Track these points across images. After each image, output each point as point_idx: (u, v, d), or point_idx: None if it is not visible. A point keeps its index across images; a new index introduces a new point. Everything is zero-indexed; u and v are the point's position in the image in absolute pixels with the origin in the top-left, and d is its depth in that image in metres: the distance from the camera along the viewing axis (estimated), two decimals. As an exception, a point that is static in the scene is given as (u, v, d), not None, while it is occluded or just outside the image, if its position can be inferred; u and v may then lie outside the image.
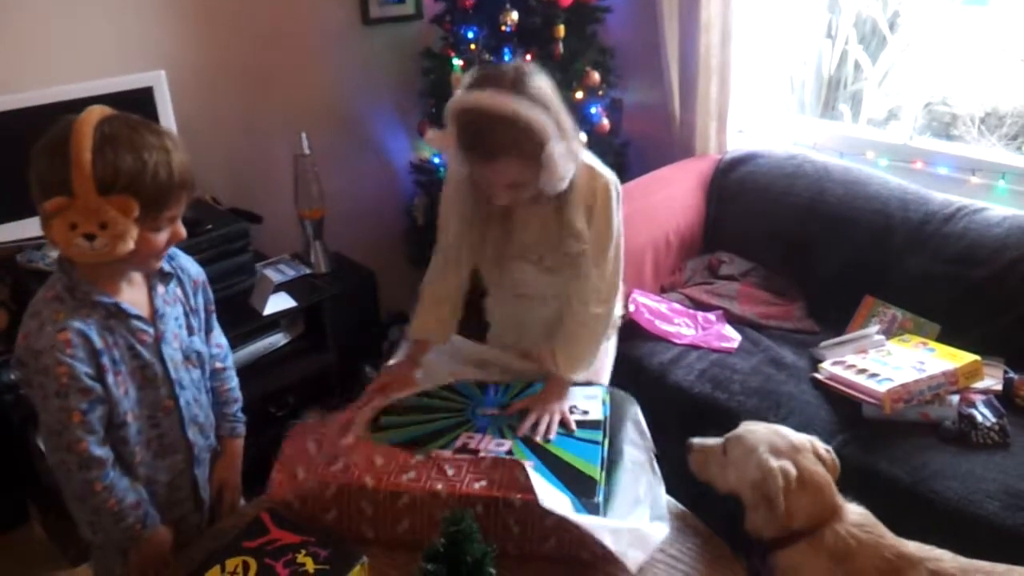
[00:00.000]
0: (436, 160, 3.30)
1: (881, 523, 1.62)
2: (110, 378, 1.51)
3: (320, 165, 2.99)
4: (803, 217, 2.93)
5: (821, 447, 1.69)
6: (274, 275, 2.89)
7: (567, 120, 1.70)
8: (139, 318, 1.57)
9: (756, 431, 1.68)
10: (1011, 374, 2.41)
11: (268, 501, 1.66)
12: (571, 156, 1.70)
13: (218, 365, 1.85)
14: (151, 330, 1.60)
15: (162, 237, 1.51)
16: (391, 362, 2.05)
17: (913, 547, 1.56)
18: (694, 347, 2.68)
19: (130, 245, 1.42)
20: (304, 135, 2.93)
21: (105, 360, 1.50)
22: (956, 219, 2.68)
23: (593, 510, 1.56)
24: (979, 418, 2.24)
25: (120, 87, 2.51)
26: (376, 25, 3.35)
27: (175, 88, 2.64)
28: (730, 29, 3.05)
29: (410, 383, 1.93)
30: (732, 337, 2.73)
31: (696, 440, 1.77)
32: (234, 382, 1.90)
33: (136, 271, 1.59)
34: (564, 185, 1.72)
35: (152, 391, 1.62)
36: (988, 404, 2.30)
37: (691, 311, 2.85)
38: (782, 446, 1.63)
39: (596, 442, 1.73)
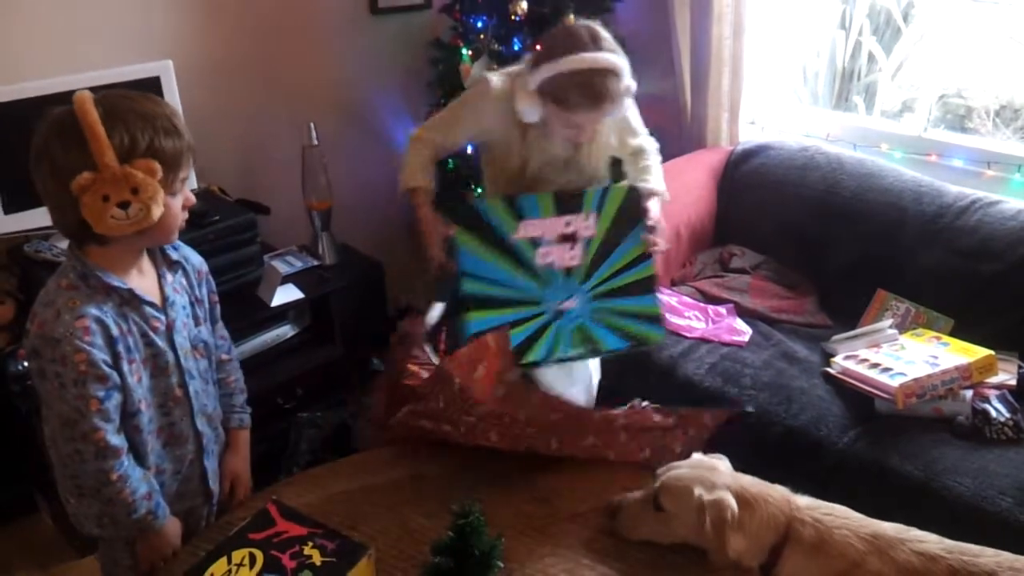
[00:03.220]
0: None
1: (838, 505, 1.56)
2: (125, 366, 1.52)
3: (328, 156, 2.98)
4: (815, 210, 2.90)
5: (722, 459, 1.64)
6: (281, 267, 2.88)
7: None
8: (152, 305, 1.59)
9: (683, 475, 1.57)
10: (1025, 369, 2.39)
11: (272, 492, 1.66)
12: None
13: (223, 356, 1.85)
14: (163, 317, 1.61)
15: (179, 202, 1.54)
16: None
17: (888, 527, 1.50)
18: (704, 340, 2.67)
19: (162, 208, 1.46)
20: (312, 126, 2.91)
21: (120, 347, 1.51)
22: (971, 212, 2.65)
23: None
24: (993, 413, 2.23)
25: (127, 76, 2.50)
26: (384, 15, 3.33)
27: (182, 78, 2.63)
28: (742, 20, 3.02)
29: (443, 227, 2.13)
30: (743, 331, 2.71)
31: (616, 499, 1.65)
32: (239, 373, 1.91)
33: (158, 244, 1.62)
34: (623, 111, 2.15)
35: (164, 379, 1.63)
36: (1002, 399, 2.27)
37: (702, 304, 2.83)
38: (716, 480, 1.55)
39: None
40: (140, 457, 1.60)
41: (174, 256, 1.68)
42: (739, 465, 1.62)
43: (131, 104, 1.45)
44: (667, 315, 2.72)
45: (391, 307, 3.42)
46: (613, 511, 1.64)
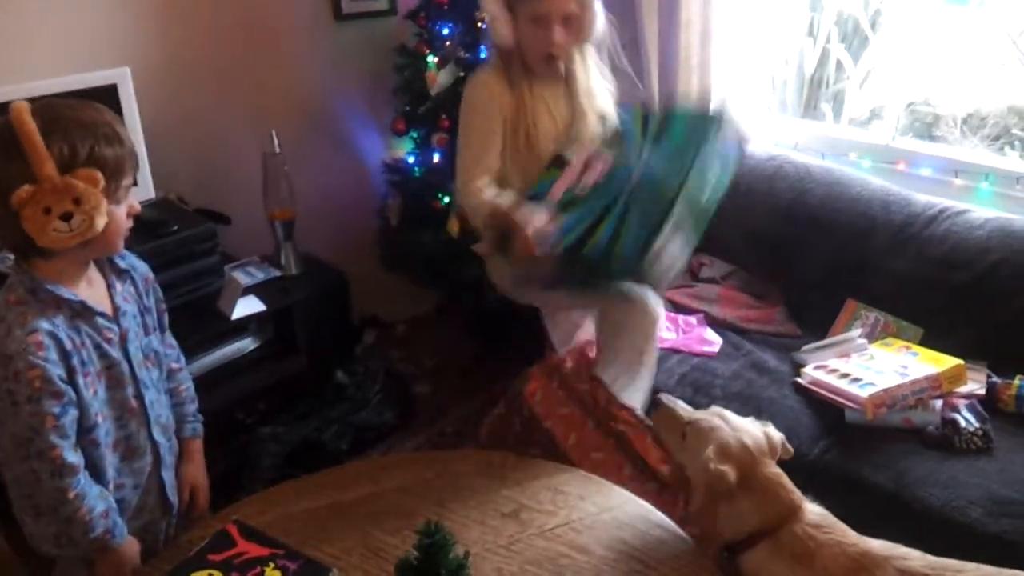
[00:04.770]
0: (410, 159, 3.24)
1: (841, 523, 1.59)
2: (80, 379, 1.49)
3: (290, 164, 2.93)
4: (784, 219, 2.89)
5: (776, 436, 1.69)
6: (242, 277, 2.82)
7: None
8: (104, 316, 1.56)
9: (715, 426, 1.65)
10: (994, 379, 2.39)
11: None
12: (601, 11, 2.12)
13: (173, 365, 1.82)
14: (116, 328, 1.59)
15: (123, 211, 1.53)
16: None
17: (877, 545, 1.54)
18: (675, 351, 2.65)
19: (105, 218, 1.44)
20: (274, 133, 2.86)
21: (75, 361, 1.49)
22: (939, 221, 2.65)
23: None
24: (962, 423, 2.22)
25: (83, 84, 2.44)
26: (348, 20, 3.29)
27: (140, 85, 2.58)
28: (710, 28, 3.01)
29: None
30: (713, 341, 2.69)
31: (666, 399, 1.77)
32: (189, 382, 1.88)
33: (105, 254, 1.60)
34: (596, 36, 2.15)
35: (119, 391, 1.60)
36: (971, 409, 2.27)
37: (672, 314, 2.82)
38: (733, 449, 1.60)
39: None
40: (99, 473, 1.57)
41: (122, 265, 1.66)
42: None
43: (71, 113, 1.43)
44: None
45: (356, 318, 3.37)
46: (658, 405, 1.79)
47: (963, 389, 2.32)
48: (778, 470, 1.62)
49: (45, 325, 1.45)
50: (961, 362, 2.29)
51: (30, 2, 2.53)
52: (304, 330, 2.90)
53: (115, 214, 1.49)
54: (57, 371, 1.45)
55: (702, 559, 1.60)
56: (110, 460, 1.60)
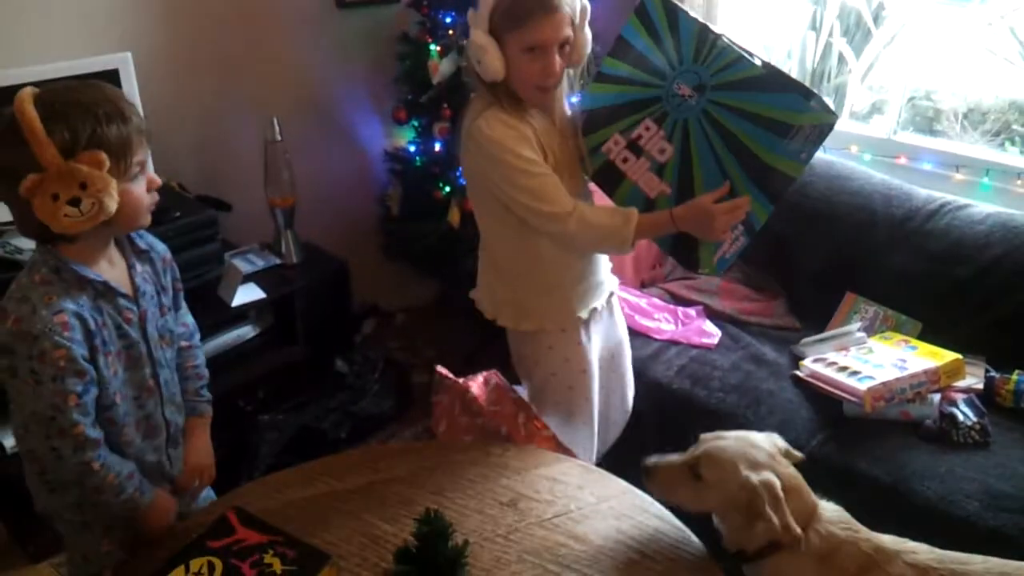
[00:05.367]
0: (412, 149, 3.23)
1: (853, 519, 1.60)
2: (101, 359, 1.51)
3: (292, 152, 2.92)
4: (785, 212, 2.84)
5: (782, 445, 1.65)
6: (243, 265, 2.81)
7: None
8: (125, 296, 1.57)
9: (727, 447, 1.59)
10: (993, 373, 2.40)
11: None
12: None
13: (183, 343, 1.81)
14: (135, 308, 1.60)
15: (140, 186, 1.51)
16: None
17: (888, 540, 1.55)
18: (674, 343, 2.65)
19: (115, 199, 1.43)
20: (275, 120, 2.86)
21: (97, 341, 1.50)
22: (939, 215, 2.66)
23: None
24: (960, 417, 2.23)
25: (84, 69, 2.42)
26: (351, 8, 3.28)
27: (142, 71, 2.56)
28: (714, 19, 3.01)
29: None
30: (712, 333, 2.69)
31: (653, 460, 1.65)
32: (201, 359, 1.87)
33: (128, 231, 1.60)
34: (584, 59, 1.92)
35: (138, 371, 1.62)
36: (969, 403, 2.28)
37: (671, 306, 2.82)
38: (759, 458, 1.57)
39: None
40: (118, 449, 1.59)
41: (141, 245, 1.66)
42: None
43: (70, 95, 1.42)
44: (636, 316, 2.70)
45: (355, 307, 3.37)
46: (648, 470, 1.65)
47: (961, 383, 2.33)
48: (794, 470, 1.60)
49: (70, 305, 1.46)
50: (959, 356, 2.30)
51: (32, -13, 2.52)
52: (304, 318, 2.90)
53: (130, 192, 1.48)
54: (81, 351, 1.46)
55: (699, 549, 1.60)
56: (131, 437, 1.62)
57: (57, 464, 1.50)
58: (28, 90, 1.41)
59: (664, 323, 2.72)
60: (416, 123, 3.20)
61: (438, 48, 2.98)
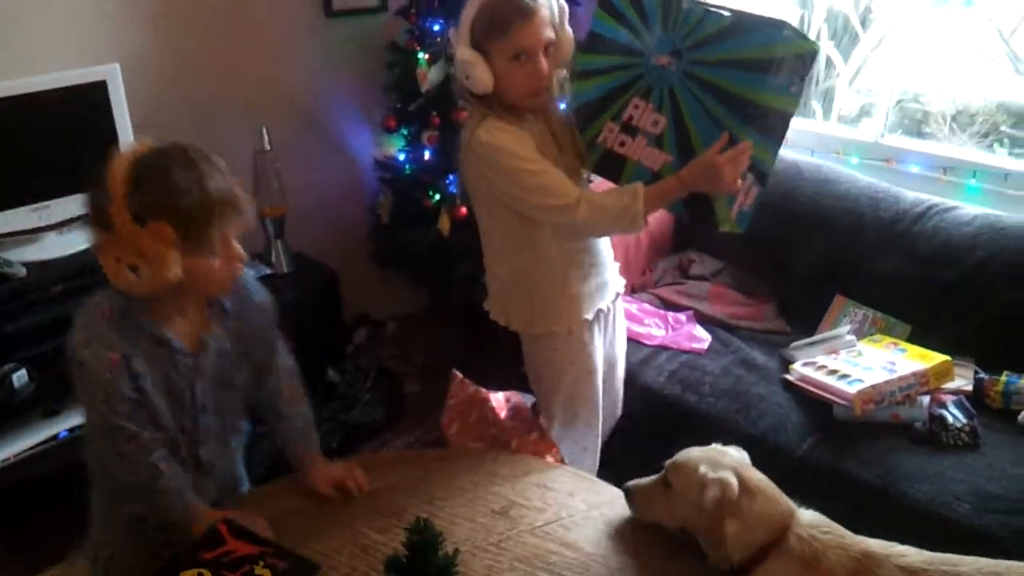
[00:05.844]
0: (401, 157, 3.23)
1: (836, 523, 1.58)
2: (148, 390, 1.56)
3: (281, 161, 2.92)
4: (774, 216, 2.87)
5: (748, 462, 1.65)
6: (234, 275, 2.81)
7: None
8: (183, 352, 1.60)
9: (692, 454, 1.61)
10: (981, 375, 2.40)
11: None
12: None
13: (280, 405, 1.84)
14: (190, 362, 1.62)
15: (215, 261, 1.52)
16: None
17: (876, 544, 1.53)
18: (664, 348, 2.65)
19: (174, 272, 1.46)
20: (265, 130, 2.86)
21: (142, 382, 1.55)
22: (927, 218, 2.67)
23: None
24: (949, 419, 2.23)
25: (72, 81, 2.45)
26: (339, 17, 3.28)
27: (130, 82, 2.57)
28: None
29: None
30: (703, 338, 2.69)
31: (632, 483, 1.68)
32: (298, 422, 1.86)
33: (200, 296, 1.62)
34: (569, 58, 1.93)
35: (176, 410, 1.64)
36: (959, 405, 2.28)
37: (661, 311, 2.82)
38: (723, 461, 1.57)
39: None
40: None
41: (229, 306, 1.67)
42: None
43: (164, 164, 1.45)
44: (627, 322, 2.70)
45: (347, 316, 3.37)
46: (628, 493, 1.67)
47: (950, 385, 2.34)
48: (764, 477, 1.60)
49: (124, 350, 1.51)
50: (948, 358, 2.30)
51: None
52: (295, 328, 2.86)
53: (200, 265, 1.50)
54: (126, 385, 1.52)
55: (690, 556, 1.59)
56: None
57: (125, 467, 1.54)
58: (129, 149, 1.47)
59: (655, 328, 2.73)
60: (405, 131, 3.20)
61: (426, 56, 2.99)
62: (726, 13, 1.77)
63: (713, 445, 1.65)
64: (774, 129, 1.79)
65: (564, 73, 1.97)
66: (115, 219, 1.42)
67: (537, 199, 1.88)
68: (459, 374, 2.15)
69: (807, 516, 1.57)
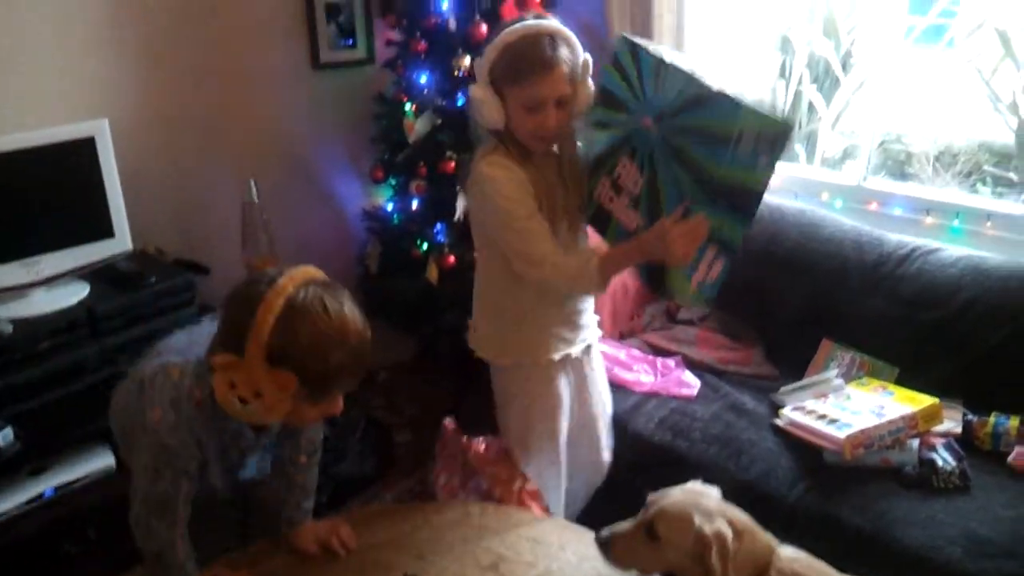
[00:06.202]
0: (389, 207, 3.25)
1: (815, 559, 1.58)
2: (210, 460, 1.63)
3: (269, 213, 2.93)
4: (759, 261, 2.91)
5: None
6: (222, 327, 2.80)
7: None
8: (250, 436, 1.66)
9: (680, 501, 1.58)
10: (970, 416, 2.40)
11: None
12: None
13: (303, 458, 1.83)
14: (253, 439, 1.68)
15: (315, 412, 1.58)
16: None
17: None
18: (654, 394, 2.65)
19: (281, 416, 1.52)
20: (252, 182, 2.87)
21: (207, 452, 1.61)
22: (911, 260, 2.68)
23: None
24: (939, 462, 2.23)
25: (60, 137, 2.45)
26: (326, 69, 3.32)
27: (118, 137, 2.58)
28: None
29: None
30: (692, 383, 2.69)
31: (605, 532, 1.63)
32: (313, 478, 1.87)
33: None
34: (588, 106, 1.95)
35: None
36: (948, 448, 2.28)
37: (650, 357, 2.82)
38: (712, 507, 1.56)
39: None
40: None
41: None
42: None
43: (318, 313, 1.44)
44: (615, 369, 2.70)
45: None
46: (603, 544, 1.62)
47: (940, 428, 2.33)
48: (744, 513, 1.60)
49: (202, 435, 1.57)
50: (937, 401, 2.30)
51: (7, 55, 2.54)
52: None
53: (303, 411, 1.54)
54: (196, 458, 1.58)
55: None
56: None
57: (146, 535, 1.58)
58: (305, 273, 1.50)
59: (643, 375, 2.73)
60: (393, 181, 3.22)
61: (413, 107, 3.02)
62: (706, 82, 1.75)
63: (690, 484, 1.63)
64: (740, 204, 1.73)
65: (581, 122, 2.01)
66: (250, 350, 1.42)
67: (515, 243, 1.93)
68: (450, 425, 2.15)
69: (787, 551, 1.57)
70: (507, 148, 1.94)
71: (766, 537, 1.57)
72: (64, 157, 2.47)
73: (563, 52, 1.86)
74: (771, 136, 1.66)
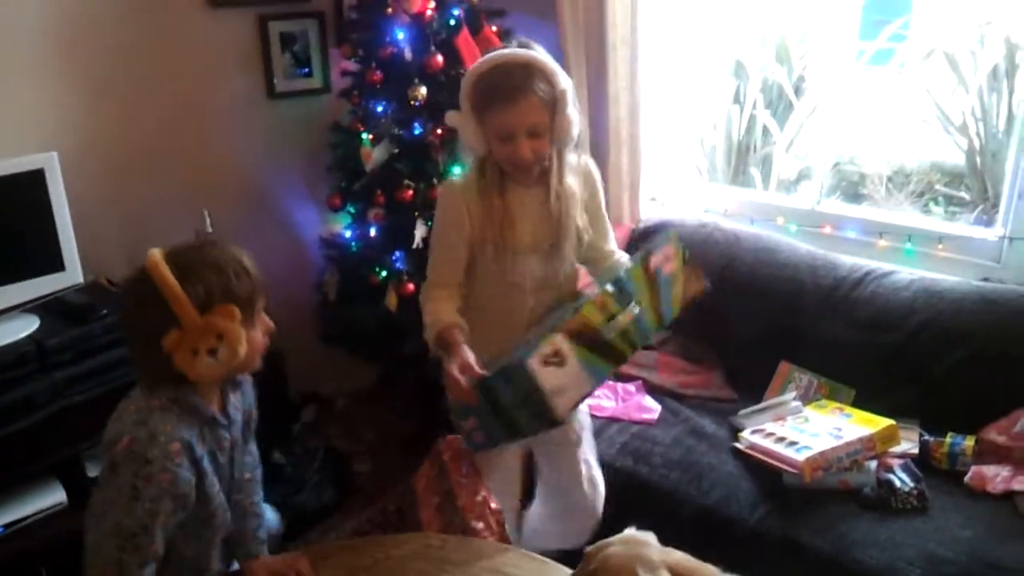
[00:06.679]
0: (347, 234, 3.23)
1: None
2: (206, 480, 1.62)
3: (225, 242, 2.89)
4: (716, 285, 2.87)
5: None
6: (177, 359, 2.75)
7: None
8: (224, 426, 1.69)
9: (619, 553, 1.50)
10: (927, 437, 2.43)
11: None
12: (576, 112, 1.92)
13: (246, 475, 1.84)
14: (228, 436, 1.70)
15: (259, 332, 1.65)
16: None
17: None
18: (614, 419, 2.65)
19: (245, 346, 1.58)
20: (206, 212, 2.84)
21: (202, 465, 1.61)
22: (865, 283, 2.71)
23: None
24: (897, 483, 2.25)
25: (8, 171, 2.40)
26: (282, 99, 3.30)
27: (69, 167, 2.53)
28: (638, 101, 3.07)
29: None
30: (652, 408, 2.70)
31: None
32: (260, 494, 1.90)
33: (244, 372, 1.73)
34: (572, 140, 1.95)
35: (225, 485, 1.72)
36: (906, 468, 2.30)
37: (611, 382, 2.81)
38: (653, 556, 1.49)
39: None
40: (206, 558, 1.73)
41: (238, 376, 1.76)
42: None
43: (199, 255, 1.57)
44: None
45: (294, 395, 3.33)
46: None
47: (897, 449, 2.35)
48: (680, 553, 1.52)
49: (184, 435, 1.56)
50: (893, 423, 2.32)
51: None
52: (240, 411, 2.84)
53: (253, 338, 1.62)
54: (187, 476, 1.56)
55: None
56: (216, 549, 1.75)
57: (115, 571, 1.53)
58: (158, 252, 1.55)
59: (604, 400, 2.73)
60: (351, 209, 3.20)
61: (370, 136, 3.00)
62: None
63: (627, 533, 1.56)
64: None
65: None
66: (182, 315, 1.49)
67: (430, 254, 2.08)
68: (453, 439, 2.14)
69: None
70: (481, 172, 1.97)
71: (710, 570, 1.51)
72: (13, 190, 2.42)
73: (536, 82, 1.85)
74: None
